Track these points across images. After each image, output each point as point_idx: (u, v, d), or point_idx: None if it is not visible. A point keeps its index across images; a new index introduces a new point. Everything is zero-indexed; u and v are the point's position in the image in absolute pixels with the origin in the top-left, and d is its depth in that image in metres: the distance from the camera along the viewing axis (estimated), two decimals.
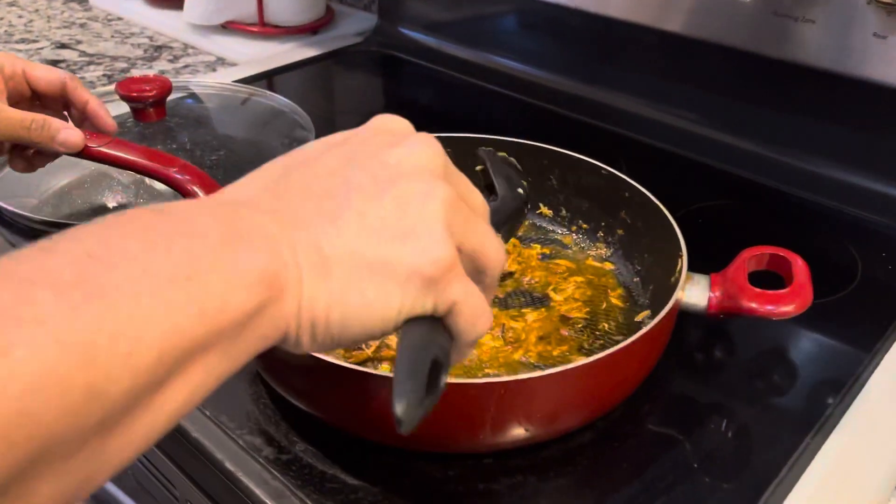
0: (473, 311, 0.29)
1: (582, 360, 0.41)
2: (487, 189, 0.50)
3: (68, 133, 0.56)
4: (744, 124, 0.75)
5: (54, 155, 0.58)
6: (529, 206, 0.51)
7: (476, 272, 0.31)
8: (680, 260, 0.49)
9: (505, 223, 0.46)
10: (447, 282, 0.28)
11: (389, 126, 0.32)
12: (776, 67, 0.68)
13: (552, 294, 0.56)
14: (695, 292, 0.48)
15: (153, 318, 0.23)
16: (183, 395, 0.24)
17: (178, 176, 0.55)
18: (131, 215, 0.26)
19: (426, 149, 0.30)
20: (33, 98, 0.59)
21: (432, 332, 0.29)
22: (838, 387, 0.50)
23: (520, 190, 0.49)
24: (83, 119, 0.60)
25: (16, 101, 0.58)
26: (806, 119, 0.71)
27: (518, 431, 0.42)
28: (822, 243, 0.65)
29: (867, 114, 0.68)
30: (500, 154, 0.53)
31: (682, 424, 0.48)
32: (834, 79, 0.65)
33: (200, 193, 0.55)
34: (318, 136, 0.77)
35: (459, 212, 0.29)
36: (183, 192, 0.55)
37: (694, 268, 0.49)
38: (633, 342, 0.42)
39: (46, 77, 0.58)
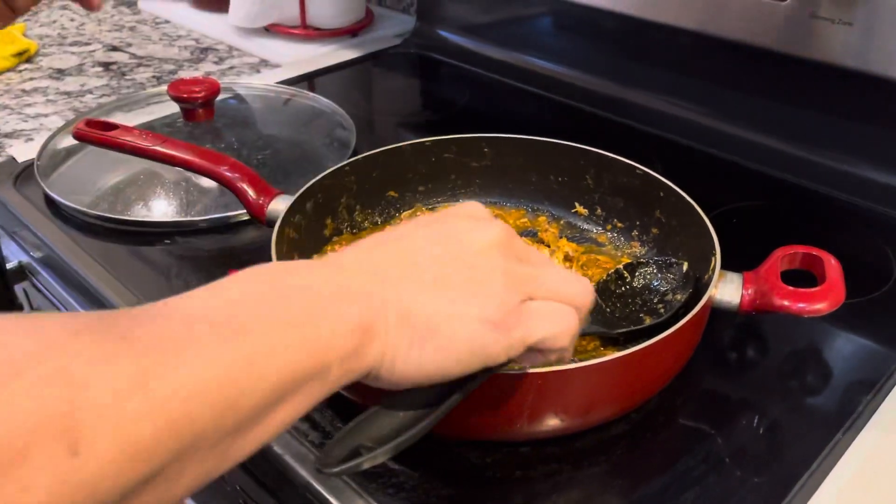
0: (551, 339, 0.36)
1: (616, 354, 0.43)
2: None
3: None
4: (779, 125, 0.75)
5: None
6: None
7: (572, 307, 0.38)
8: (713, 258, 0.50)
9: None
10: (514, 322, 0.35)
11: (470, 212, 0.40)
12: (811, 69, 0.69)
13: None
14: (728, 290, 0.49)
15: (277, 352, 0.29)
16: (290, 413, 0.31)
17: (229, 174, 0.58)
18: (266, 270, 0.33)
19: (495, 232, 0.38)
20: None
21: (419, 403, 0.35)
22: (870, 385, 0.51)
23: None
24: None
25: None
26: (841, 120, 0.71)
27: (554, 422, 0.44)
28: (857, 243, 0.66)
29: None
30: None
31: (714, 419, 0.49)
32: (870, 80, 0.65)
33: (249, 190, 0.58)
34: (358, 136, 0.80)
35: (519, 271, 0.37)
36: (232, 189, 0.58)
37: (727, 266, 0.50)
38: (666, 336, 0.43)
39: None
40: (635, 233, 0.62)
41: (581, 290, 0.39)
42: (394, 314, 0.33)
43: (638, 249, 0.62)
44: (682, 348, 0.47)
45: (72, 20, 1.21)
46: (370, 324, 0.32)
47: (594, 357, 0.51)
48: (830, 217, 0.70)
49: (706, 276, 0.51)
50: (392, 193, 0.66)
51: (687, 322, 0.45)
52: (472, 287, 0.35)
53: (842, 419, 0.48)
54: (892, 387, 0.51)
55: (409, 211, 0.67)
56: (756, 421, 0.49)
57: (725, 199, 0.71)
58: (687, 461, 0.46)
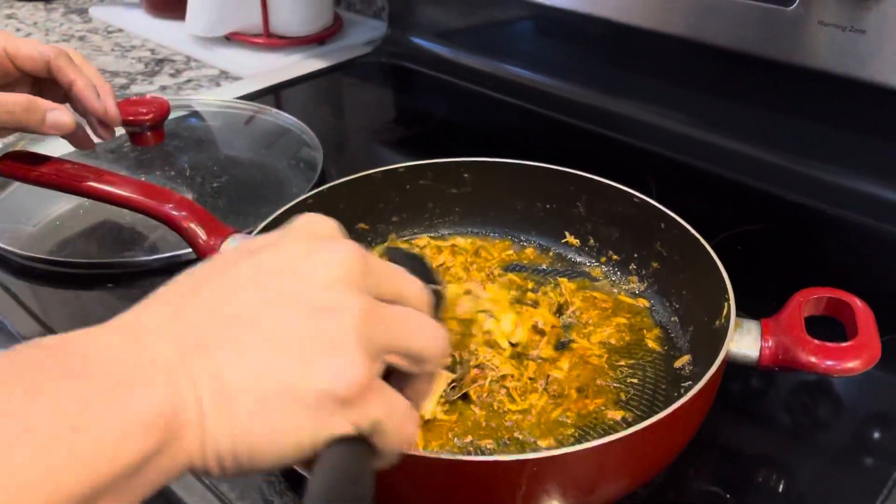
0: (397, 426, 0.28)
1: (618, 434, 0.36)
2: None
3: (56, 115, 0.52)
4: (784, 141, 0.70)
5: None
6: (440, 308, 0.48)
7: (416, 364, 0.30)
8: (727, 304, 0.44)
9: None
10: (364, 401, 0.27)
11: (312, 229, 0.30)
12: (818, 80, 0.63)
13: (580, 339, 0.51)
14: (745, 342, 0.43)
15: (33, 480, 0.22)
16: None
17: (175, 213, 0.51)
18: (21, 355, 0.24)
19: (342, 258, 0.28)
20: (31, 77, 0.55)
21: (353, 453, 0.27)
22: None
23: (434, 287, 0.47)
24: (69, 102, 0.56)
25: (5, 81, 0.54)
26: (848, 134, 0.66)
27: None
28: (875, 270, 0.60)
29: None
30: (411, 253, 0.51)
31: (731, 484, 0.44)
32: (886, 93, 0.59)
33: (199, 231, 0.50)
34: (326, 155, 0.73)
35: (376, 321, 0.28)
36: (179, 230, 0.51)
37: (737, 306, 0.44)
38: (677, 409, 0.37)
39: (30, 55, 0.54)
40: (633, 266, 0.56)
41: (437, 346, 0.30)
42: (208, 395, 0.25)
43: (637, 285, 0.56)
44: (695, 415, 0.41)
45: (17, 30, 1.13)
46: (174, 414, 0.24)
47: (596, 421, 0.45)
48: (841, 240, 0.64)
49: (717, 323, 0.45)
50: (362, 226, 0.59)
51: (702, 388, 0.39)
52: (314, 345, 0.26)
53: (877, 486, 0.42)
54: None
55: (383, 245, 0.60)
56: (779, 484, 0.44)
57: (727, 222, 0.65)
58: None
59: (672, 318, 0.52)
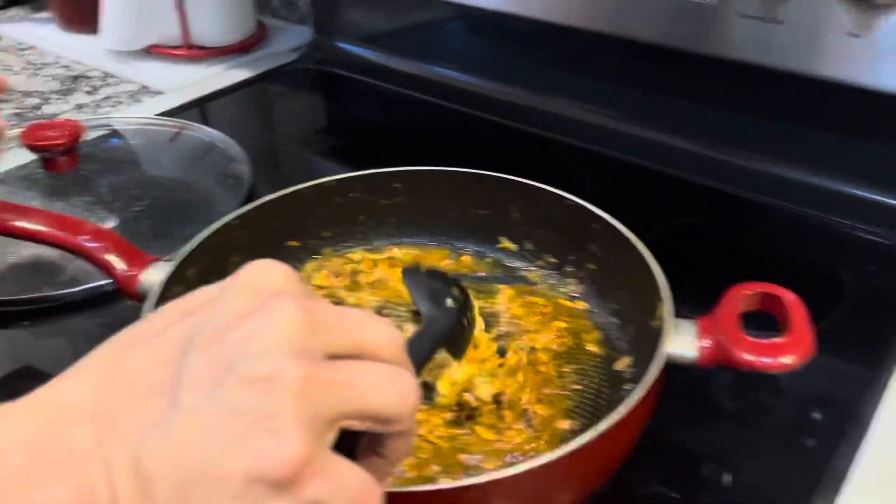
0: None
1: (550, 455, 0.35)
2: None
3: None
4: (710, 131, 0.70)
5: None
6: (468, 311, 0.48)
7: (381, 424, 0.26)
8: (660, 304, 0.44)
9: (439, 344, 0.43)
10: (303, 482, 0.23)
11: (256, 282, 0.27)
12: (743, 71, 0.64)
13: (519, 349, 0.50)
14: (682, 343, 0.42)
15: None
16: None
17: (89, 245, 0.48)
18: None
19: (282, 318, 0.25)
20: None
21: None
22: (848, 420, 0.46)
23: (449, 301, 0.46)
24: None
25: None
26: (776, 124, 0.67)
27: None
28: (804, 257, 0.61)
29: (842, 117, 0.64)
30: (424, 267, 0.52)
31: (677, 481, 0.44)
32: (807, 82, 0.60)
33: (117, 262, 0.48)
34: (255, 169, 0.71)
35: (320, 387, 0.24)
36: (95, 262, 0.48)
37: (675, 302, 0.44)
38: (621, 418, 0.37)
39: None
40: (570, 269, 0.56)
41: (403, 403, 0.26)
42: (123, 482, 0.23)
43: (574, 288, 0.55)
44: (640, 418, 0.40)
45: None
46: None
47: (547, 433, 0.44)
48: (771, 229, 0.65)
49: (654, 323, 0.45)
50: (293, 243, 0.57)
51: (645, 393, 0.38)
52: (244, 422, 0.23)
53: (820, 468, 0.43)
54: (872, 419, 0.46)
55: (317, 260, 0.58)
56: (726, 479, 0.44)
57: (663, 216, 0.65)
58: None
59: (611, 320, 0.52)
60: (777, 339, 0.41)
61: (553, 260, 0.57)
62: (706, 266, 0.59)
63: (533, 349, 0.50)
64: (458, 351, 0.46)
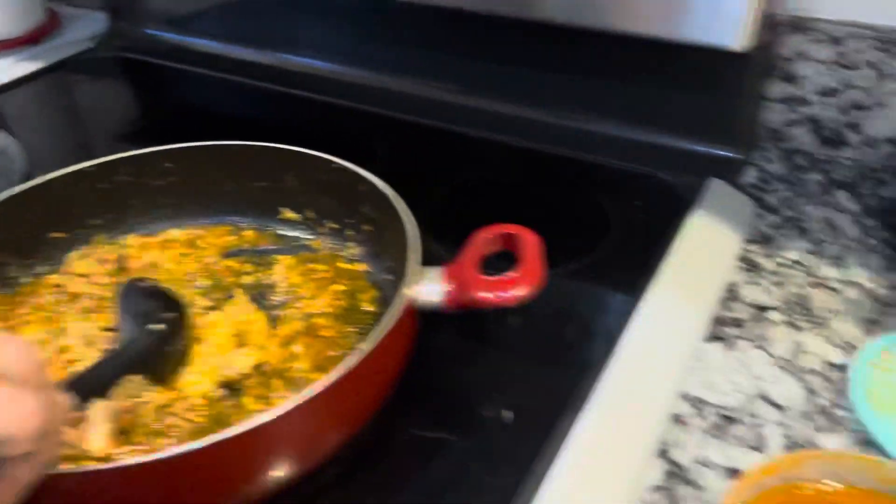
0: None
1: (275, 411, 0.35)
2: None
3: None
4: (484, 85, 0.72)
5: None
6: (179, 334, 0.47)
7: None
8: (407, 252, 0.45)
9: (131, 367, 0.42)
10: None
11: None
12: (510, 27, 0.66)
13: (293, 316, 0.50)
14: (429, 289, 0.44)
15: None
16: None
17: None
18: None
19: None
20: None
21: None
22: (607, 342, 0.49)
23: (156, 324, 0.46)
24: None
25: None
26: (546, 74, 0.70)
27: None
28: (573, 198, 0.64)
29: (608, 63, 0.67)
30: (147, 283, 0.51)
31: (449, 422, 0.45)
32: (577, 33, 0.63)
33: None
34: (36, 164, 0.67)
35: None
36: None
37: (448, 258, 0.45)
38: (354, 369, 0.37)
39: None
40: (350, 233, 0.56)
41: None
42: None
43: (355, 250, 0.56)
44: (388, 361, 0.41)
45: None
46: None
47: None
48: (541, 174, 0.68)
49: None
50: (57, 235, 0.55)
51: (383, 336, 0.39)
52: None
53: (584, 387, 0.45)
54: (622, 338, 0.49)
55: (84, 249, 0.56)
56: (495, 412, 0.45)
57: (450, 174, 0.67)
58: (425, 478, 0.41)
59: (387, 277, 0.53)
60: (509, 274, 0.43)
61: (334, 225, 0.57)
62: (488, 217, 0.61)
63: (308, 315, 0.50)
64: (160, 374, 0.44)
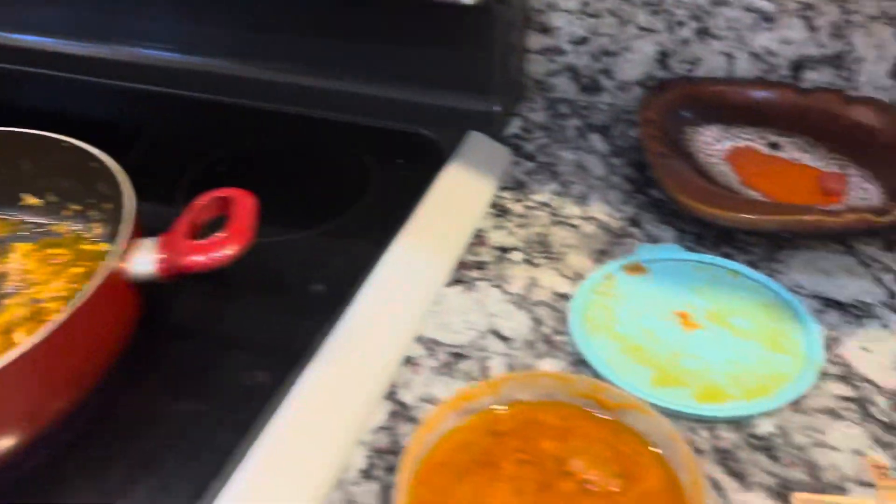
0: None
1: None
2: None
3: None
4: (244, 53, 0.72)
5: None
6: None
7: None
8: (120, 226, 0.44)
9: None
10: None
11: None
12: None
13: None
14: (142, 260, 0.43)
15: None
16: None
17: None
18: None
19: None
20: None
21: None
22: (349, 294, 0.50)
23: None
24: None
25: None
26: (307, 39, 0.70)
27: None
28: (335, 159, 0.65)
29: (371, 26, 0.68)
30: None
31: (182, 391, 0.45)
32: None
33: None
34: None
35: None
36: None
37: None
38: (42, 341, 0.37)
39: None
40: (93, 213, 0.54)
41: None
42: None
43: (100, 230, 0.54)
44: (92, 335, 0.41)
45: None
46: None
47: None
48: (305, 139, 0.68)
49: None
50: None
51: (84, 306, 0.39)
52: None
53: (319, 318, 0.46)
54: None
55: None
56: (231, 375, 0.46)
57: (217, 146, 0.66)
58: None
59: None
60: (217, 235, 0.43)
61: (77, 207, 0.55)
62: (241, 185, 0.61)
63: (37, 300, 0.49)
64: None
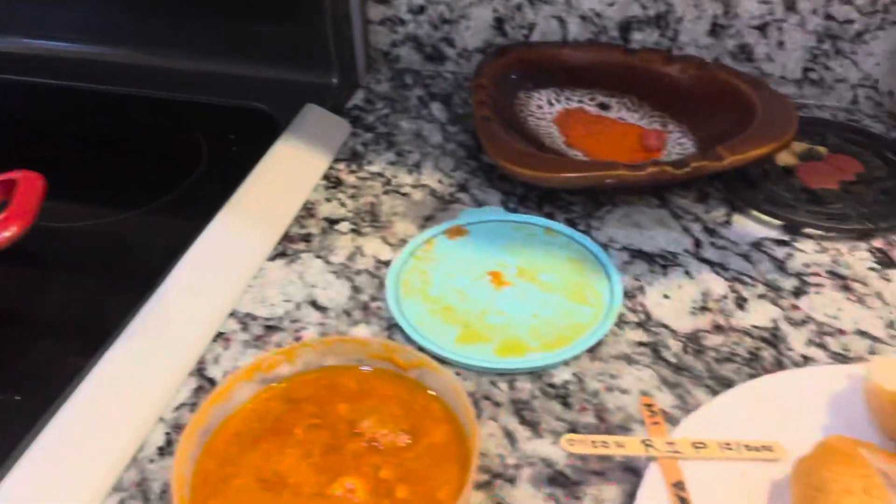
0: None
1: None
2: None
3: None
4: (82, 34, 0.70)
5: None
6: None
7: None
8: None
9: None
10: None
11: None
12: None
13: None
14: None
15: None
16: None
17: None
18: None
19: None
20: None
21: None
22: (165, 270, 0.49)
23: None
24: None
25: None
26: (142, 18, 0.68)
27: None
28: (169, 138, 0.64)
29: (205, 3, 0.67)
30: None
31: None
32: None
33: None
34: None
35: None
36: None
37: None
38: None
39: None
40: None
41: None
42: None
43: None
44: None
45: None
46: None
47: None
48: (141, 119, 0.67)
49: None
50: None
51: None
52: None
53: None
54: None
55: None
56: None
57: (54, 131, 0.64)
58: None
59: None
60: None
61: None
62: (70, 168, 0.60)
63: None
64: None
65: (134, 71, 0.69)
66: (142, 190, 0.58)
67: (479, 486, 0.39)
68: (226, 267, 0.51)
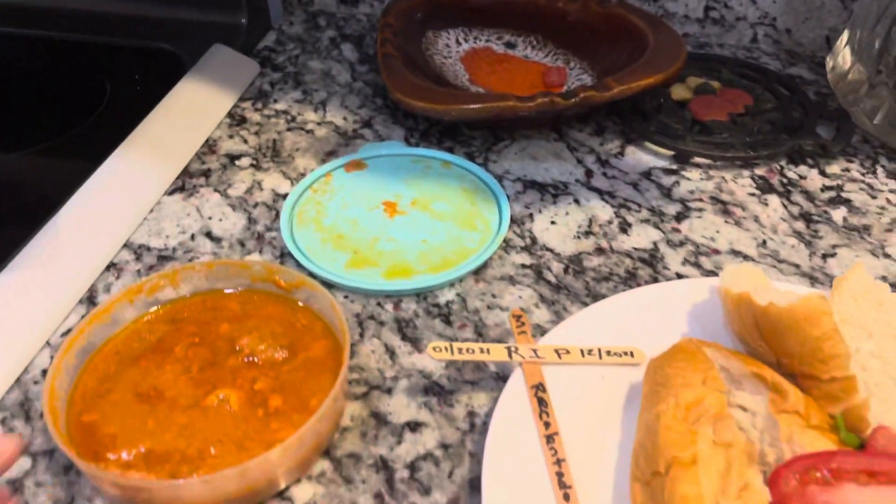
0: None
1: None
2: None
3: None
4: None
5: None
6: None
7: None
8: None
9: None
10: None
11: None
12: None
13: None
14: None
15: None
16: None
17: None
18: None
19: None
20: None
21: None
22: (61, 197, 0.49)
23: None
24: None
25: None
26: None
27: None
28: (74, 79, 0.64)
29: None
30: None
31: None
32: None
33: None
34: None
35: None
36: None
37: None
38: None
39: None
40: None
41: None
42: None
43: None
44: None
45: None
46: None
47: None
48: (47, 61, 0.66)
49: None
50: None
51: None
52: None
53: None
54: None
55: None
56: None
57: None
58: None
59: None
60: None
61: None
62: None
63: None
64: None
65: (39, 13, 0.68)
66: (39, 130, 0.58)
67: (357, 397, 0.40)
68: (121, 200, 0.51)
